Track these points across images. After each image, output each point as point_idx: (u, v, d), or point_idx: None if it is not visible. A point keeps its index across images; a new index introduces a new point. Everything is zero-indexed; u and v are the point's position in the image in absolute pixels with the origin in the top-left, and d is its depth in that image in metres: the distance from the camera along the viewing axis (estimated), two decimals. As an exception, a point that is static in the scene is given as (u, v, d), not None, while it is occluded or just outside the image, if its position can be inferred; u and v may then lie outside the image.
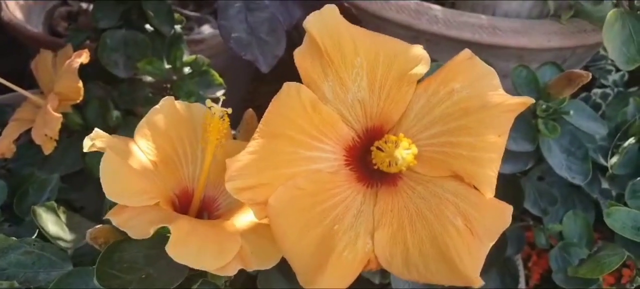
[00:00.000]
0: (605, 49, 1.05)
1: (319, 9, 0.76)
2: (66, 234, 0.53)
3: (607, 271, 0.49)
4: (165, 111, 0.45)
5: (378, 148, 0.37)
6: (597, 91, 0.99)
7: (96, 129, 0.41)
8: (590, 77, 0.55)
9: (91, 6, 1.07)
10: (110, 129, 0.70)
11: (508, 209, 0.37)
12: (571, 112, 0.60)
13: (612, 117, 0.81)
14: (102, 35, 0.71)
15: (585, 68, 1.07)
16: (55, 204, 0.56)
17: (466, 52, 0.39)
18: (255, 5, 0.63)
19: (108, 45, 0.70)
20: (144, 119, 0.45)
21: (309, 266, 0.35)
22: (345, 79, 0.38)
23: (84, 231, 0.58)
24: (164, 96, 0.76)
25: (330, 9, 0.38)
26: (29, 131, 0.65)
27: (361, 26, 0.78)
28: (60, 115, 0.59)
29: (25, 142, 0.71)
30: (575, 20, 0.81)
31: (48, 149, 0.61)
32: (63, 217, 0.56)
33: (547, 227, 0.64)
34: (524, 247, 0.68)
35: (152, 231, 0.35)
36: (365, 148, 0.40)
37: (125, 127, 0.69)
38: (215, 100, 0.41)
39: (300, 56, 0.38)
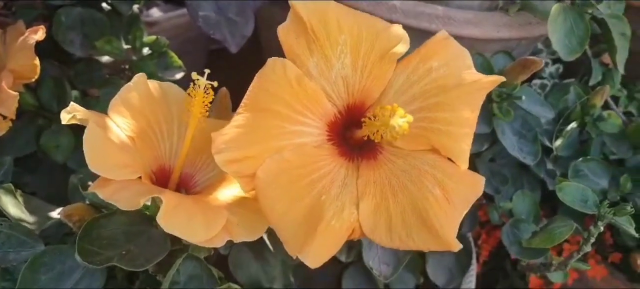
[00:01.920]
0: (543, 43, 1.12)
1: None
2: (28, 217, 0.51)
3: (558, 241, 0.54)
4: (139, 89, 0.45)
5: (369, 119, 0.38)
6: (537, 81, 1.06)
7: (72, 103, 0.40)
8: (543, 64, 0.59)
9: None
10: (67, 110, 0.68)
11: (480, 180, 0.39)
12: (523, 97, 0.64)
13: (552, 105, 0.87)
14: (57, 12, 0.68)
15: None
16: (13, 187, 0.53)
17: (442, 33, 0.41)
18: (222, -14, 0.63)
19: (63, 23, 0.67)
20: (117, 96, 0.44)
21: (298, 235, 0.36)
22: (330, 56, 0.39)
23: (44, 214, 0.56)
24: (121, 77, 0.74)
25: (315, -13, 0.39)
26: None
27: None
28: (17, 93, 0.57)
29: (-29, 124, 0.67)
30: (521, 13, 0.86)
31: (2, 129, 0.58)
32: (20, 200, 0.54)
33: (499, 205, 0.68)
34: (477, 225, 0.72)
35: (142, 203, 0.35)
36: (346, 124, 0.42)
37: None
38: (200, 74, 0.41)
39: (284, 32, 0.39)
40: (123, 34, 0.73)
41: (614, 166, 0.71)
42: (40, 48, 0.62)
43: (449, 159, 0.40)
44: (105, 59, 0.73)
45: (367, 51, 0.40)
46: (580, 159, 0.66)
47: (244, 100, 0.38)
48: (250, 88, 0.38)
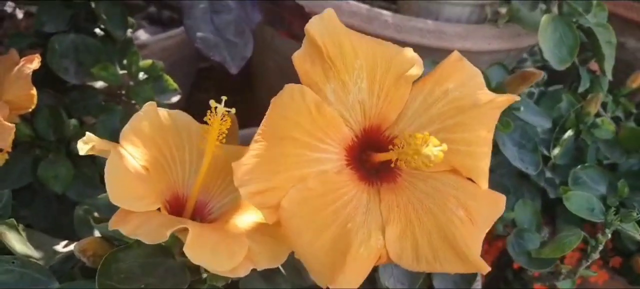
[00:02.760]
0: (528, 52, 1.14)
1: (279, 14, 0.76)
2: (34, 252, 0.50)
3: (568, 250, 0.54)
4: (150, 118, 0.44)
5: (398, 146, 0.38)
6: (525, 90, 1.08)
7: (88, 133, 0.39)
8: (542, 75, 0.60)
9: (18, 10, 1.00)
10: (65, 139, 0.66)
11: (501, 199, 0.40)
12: (521, 108, 0.65)
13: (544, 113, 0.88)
14: (50, 40, 0.66)
15: (512, 70, 1.16)
16: (15, 222, 0.52)
17: (456, 55, 0.42)
18: (220, 7, 0.63)
19: (57, 50, 0.66)
20: (128, 126, 0.43)
21: (327, 266, 0.36)
22: (347, 81, 0.39)
23: (49, 248, 0.55)
24: (118, 103, 0.73)
25: (330, 14, 0.39)
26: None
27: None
28: (13, 125, 0.55)
29: (-39, 157, 0.65)
30: (510, 25, 0.88)
31: (-3, 163, 0.56)
32: (24, 235, 0.53)
33: (503, 215, 0.69)
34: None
35: (168, 235, 0.34)
36: (362, 148, 0.42)
37: (80, 137, 0.65)
38: (219, 101, 0.41)
39: (299, 59, 0.39)
40: (117, 59, 0.72)
41: (607, 170, 0.72)
42: (33, 76, 0.61)
43: (469, 179, 0.40)
44: (100, 84, 0.72)
45: (382, 75, 0.40)
46: (579, 167, 0.67)
47: (261, 127, 0.38)
48: (267, 115, 0.38)
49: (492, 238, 0.81)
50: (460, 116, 0.40)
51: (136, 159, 0.42)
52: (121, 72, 0.71)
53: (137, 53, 0.70)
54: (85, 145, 0.38)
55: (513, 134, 0.66)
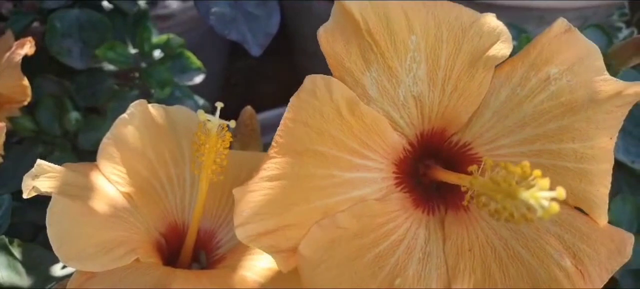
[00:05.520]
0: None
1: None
2: (23, 280, 0.42)
3: None
4: (138, 121, 0.33)
5: (475, 178, 0.25)
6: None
7: (39, 161, 0.29)
8: (665, 41, 0.45)
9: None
10: (69, 134, 0.58)
11: (627, 241, 0.27)
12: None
13: None
14: (49, 17, 0.57)
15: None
16: (6, 240, 0.44)
17: (562, 24, 0.28)
18: (239, -28, 0.51)
19: (58, 29, 0.57)
20: (108, 135, 0.33)
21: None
22: (396, 68, 0.27)
23: (47, 268, 0.47)
24: (131, 87, 0.64)
25: (371, -29, 0.27)
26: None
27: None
28: (3, 124, 0.47)
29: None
30: (603, -26, 0.72)
31: (-7, 165, 0.48)
32: (18, 253, 0.45)
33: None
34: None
35: None
36: (417, 158, 0.30)
37: (87, 129, 0.56)
38: (210, 110, 0.30)
39: (328, 37, 0.27)
40: (129, 36, 0.62)
41: None
42: (36, 61, 0.52)
43: (579, 209, 0.27)
44: (111, 67, 0.63)
45: (450, 57, 0.27)
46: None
47: (276, 138, 0.26)
48: (283, 120, 0.27)
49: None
50: (568, 117, 0.27)
51: (116, 184, 0.32)
52: (134, 51, 0.61)
53: (150, 28, 0.60)
54: (30, 181, 0.28)
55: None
